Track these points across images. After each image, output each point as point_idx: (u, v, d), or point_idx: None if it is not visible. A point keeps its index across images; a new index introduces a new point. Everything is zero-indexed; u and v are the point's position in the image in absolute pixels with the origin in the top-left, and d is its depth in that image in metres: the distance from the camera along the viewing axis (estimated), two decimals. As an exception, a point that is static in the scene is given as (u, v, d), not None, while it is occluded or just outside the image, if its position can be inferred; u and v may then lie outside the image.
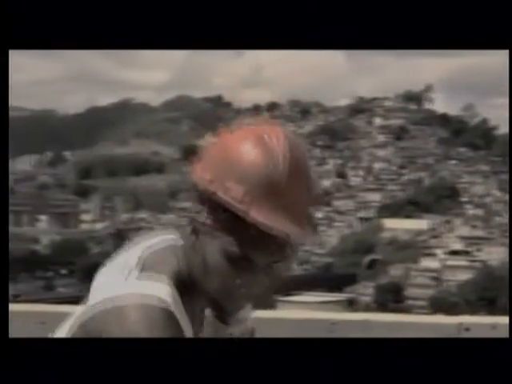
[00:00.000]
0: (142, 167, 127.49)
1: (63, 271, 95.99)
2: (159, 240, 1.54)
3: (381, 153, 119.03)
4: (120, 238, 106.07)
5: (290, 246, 1.44)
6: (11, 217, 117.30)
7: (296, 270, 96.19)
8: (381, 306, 71.72)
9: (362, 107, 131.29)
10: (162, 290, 1.44)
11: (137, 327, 1.38)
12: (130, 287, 1.44)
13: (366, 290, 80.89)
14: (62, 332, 1.54)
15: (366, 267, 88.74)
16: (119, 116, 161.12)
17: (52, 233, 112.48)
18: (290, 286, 72.63)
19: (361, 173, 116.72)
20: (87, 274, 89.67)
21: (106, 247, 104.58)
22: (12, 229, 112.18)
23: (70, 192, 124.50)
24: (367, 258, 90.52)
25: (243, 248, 1.41)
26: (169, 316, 1.42)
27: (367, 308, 69.03)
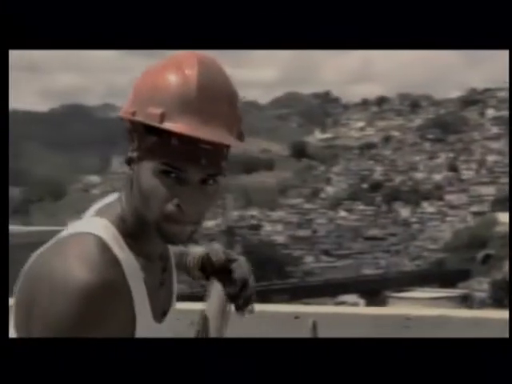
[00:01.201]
0: (251, 165, 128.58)
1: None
2: (112, 196, 1.64)
3: (494, 145, 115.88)
4: (231, 235, 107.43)
5: (219, 158, 1.51)
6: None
7: (408, 265, 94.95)
8: (496, 302, 69.93)
9: (473, 99, 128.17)
10: (94, 225, 1.52)
11: (65, 252, 1.45)
12: (66, 229, 1.55)
13: (480, 286, 79.00)
14: None
15: (480, 262, 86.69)
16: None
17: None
18: (403, 282, 71.72)
19: (473, 166, 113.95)
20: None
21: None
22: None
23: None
24: (481, 253, 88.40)
25: (173, 163, 1.47)
26: (99, 242, 1.48)
27: (482, 304, 67.44)
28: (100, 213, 1.57)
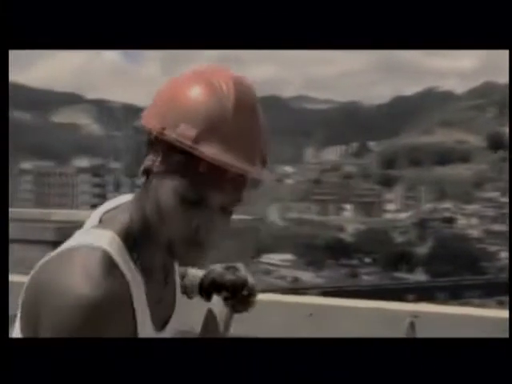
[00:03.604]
0: (446, 156, 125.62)
1: (367, 260, 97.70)
2: (118, 200, 1.60)
3: None
4: (423, 227, 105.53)
5: (243, 186, 1.46)
6: (317, 206, 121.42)
7: None
8: None
9: None
10: (101, 237, 1.47)
11: (71, 266, 1.40)
12: (72, 239, 1.49)
13: None
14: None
15: None
16: (423, 105, 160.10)
17: (356, 222, 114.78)
18: None
19: None
20: (390, 263, 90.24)
21: (409, 237, 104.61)
22: (318, 217, 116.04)
23: (374, 182, 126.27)
24: None
25: (197, 188, 1.42)
26: (106, 259, 1.43)
27: None
28: (106, 222, 1.53)
